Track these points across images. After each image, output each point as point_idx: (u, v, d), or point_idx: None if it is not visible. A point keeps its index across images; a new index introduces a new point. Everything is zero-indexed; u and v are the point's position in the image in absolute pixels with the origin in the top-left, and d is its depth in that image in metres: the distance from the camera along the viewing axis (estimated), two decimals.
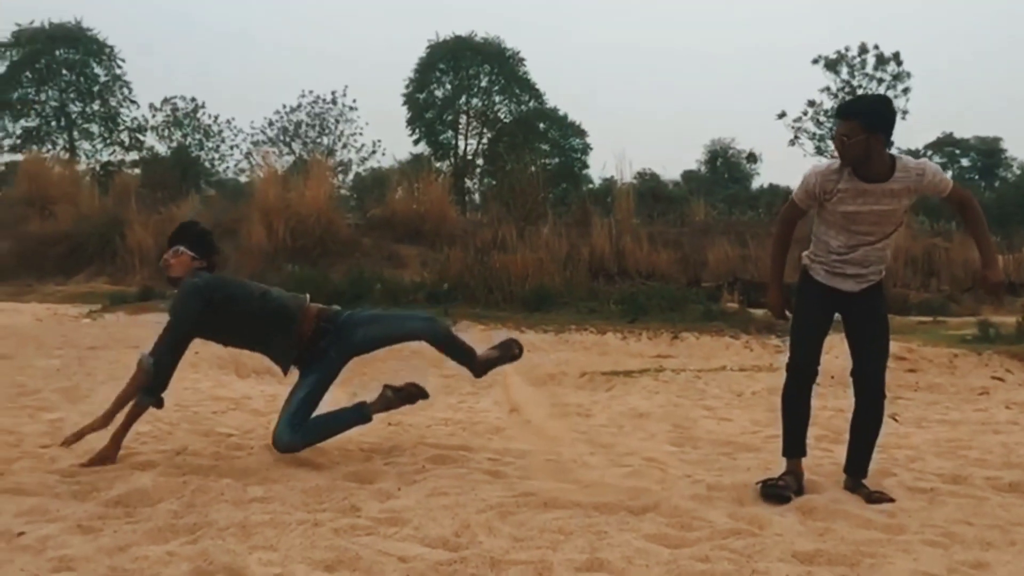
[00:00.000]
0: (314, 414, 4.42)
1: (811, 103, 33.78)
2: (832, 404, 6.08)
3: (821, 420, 5.33)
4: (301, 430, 4.31)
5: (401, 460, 4.45)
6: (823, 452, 4.76)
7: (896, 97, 31.74)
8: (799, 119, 33.95)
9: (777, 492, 3.82)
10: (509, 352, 4.71)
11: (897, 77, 32.88)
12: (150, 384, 4.24)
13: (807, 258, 4.07)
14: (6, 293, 18.69)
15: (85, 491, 3.77)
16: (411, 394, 4.61)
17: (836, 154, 3.91)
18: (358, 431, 4.81)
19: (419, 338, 4.77)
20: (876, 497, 3.82)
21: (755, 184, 38.94)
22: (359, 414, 4.51)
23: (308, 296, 4.69)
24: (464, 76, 35.22)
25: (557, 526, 3.34)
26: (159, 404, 4.29)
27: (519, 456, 4.60)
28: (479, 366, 4.74)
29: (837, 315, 4.09)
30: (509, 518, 3.45)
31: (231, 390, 6.85)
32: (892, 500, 3.82)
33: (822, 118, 33.11)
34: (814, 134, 33.77)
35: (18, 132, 35.27)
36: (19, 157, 31.21)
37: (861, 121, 3.78)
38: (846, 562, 2.97)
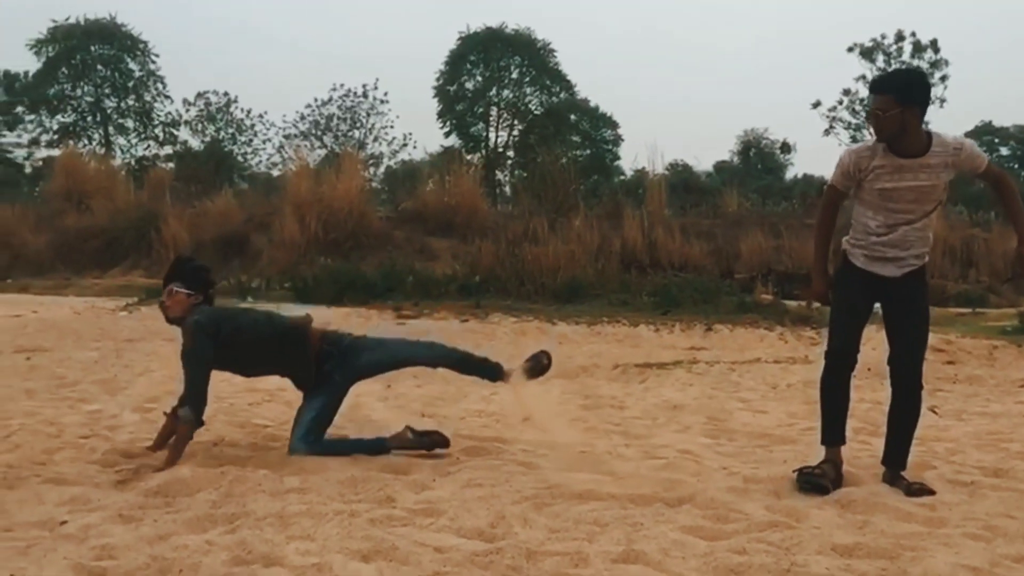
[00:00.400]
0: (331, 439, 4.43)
1: (846, 92, 33.40)
2: (869, 396, 6.01)
3: (858, 412, 5.27)
4: (316, 446, 4.31)
5: (435, 451, 4.46)
6: (861, 445, 4.71)
7: (934, 85, 31.25)
8: (834, 108, 33.60)
9: (814, 481, 3.78)
10: (539, 364, 4.58)
11: (934, 65, 32.40)
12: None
13: (847, 243, 4.02)
14: (45, 287, 19.00)
15: (125, 480, 3.83)
16: (433, 442, 4.47)
17: (872, 135, 3.87)
18: (393, 423, 4.84)
19: (425, 364, 4.69)
20: (916, 488, 3.77)
21: (789, 175, 38.61)
22: (377, 446, 4.43)
23: (311, 316, 4.70)
24: (495, 68, 35.21)
25: (592, 518, 3.33)
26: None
27: (553, 448, 4.58)
28: (509, 378, 4.59)
29: (877, 305, 4.04)
30: (544, 509, 3.45)
31: (266, 382, 6.85)
32: (932, 492, 3.76)
33: (858, 107, 32.71)
34: (849, 123, 33.40)
35: (55, 128, 35.88)
36: (56, 152, 31.72)
37: (895, 95, 3.74)
38: (886, 555, 2.93)
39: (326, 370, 4.43)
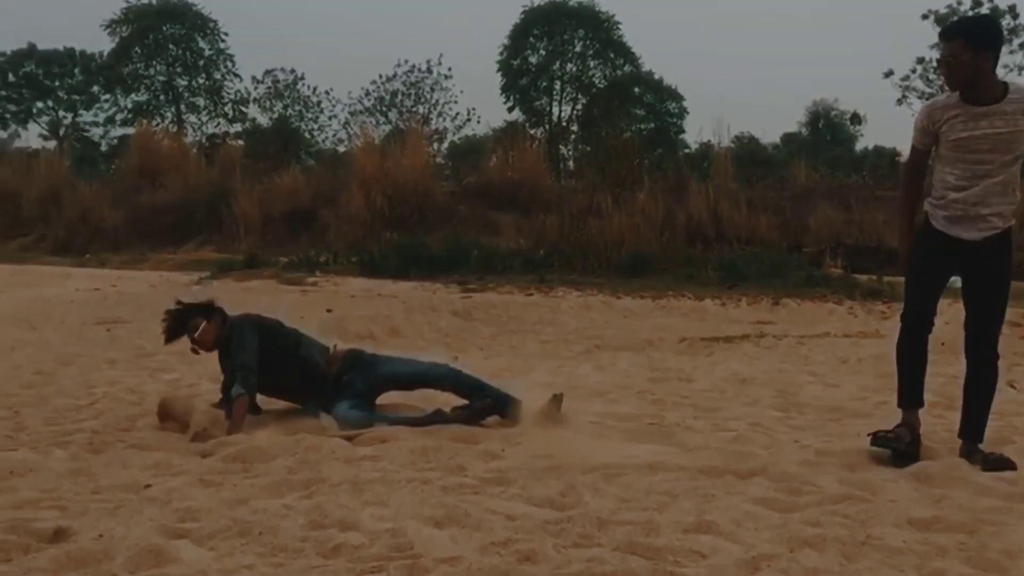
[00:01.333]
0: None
1: (920, 60, 32.32)
2: (944, 371, 5.87)
3: (934, 387, 5.15)
4: (366, 417, 4.39)
5: (504, 422, 4.49)
6: (936, 419, 4.60)
7: (1012, 53, 30.14)
8: (907, 77, 32.50)
9: (887, 443, 3.72)
10: (555, 407, 4.47)
11: (1013, 31, 31.14)
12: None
13: (928, 204, 3.91)
14: (122, 261, 19.57)
15: (205, 447, 3.95)
16: (474, 412, 4.46)
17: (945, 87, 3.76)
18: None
19: (443, 386, 4.66)
20: (994, 460, 3.68)
21: (859, 146, 37.60)
22: (439, 417, 4.48)
23: (335, 344, 4.81)
24: (558, 41, 34.91)
25: (663, 488, 3.33)
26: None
27: (622, 419, 4.59)
28: (519, 416, 4.49)
29: (953, 278, 3.94)
30: (614, 480, 3.45)
31: None
32: (1011, 463, 3.66)
33: (932, 76, 31.67)
34: (923, 92, 32.31)
35: (129, 106, 36.79)
36: (131, 131, 32.54)
37: (965, 40, 3.64)
38: (965, 529, 2.88)
39: (347, 380, 4.54)
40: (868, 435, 3.85)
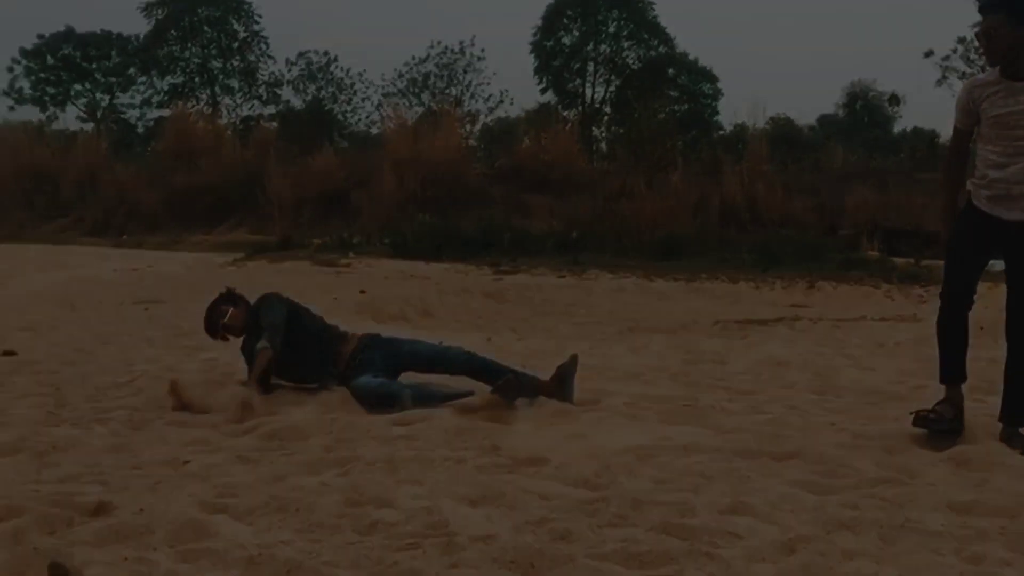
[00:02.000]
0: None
1: (961, 40, 31.70)
2: (984, 355, 5.76)
3: (974, 370, 5.02)
4: (388, 384, 4.42)
5: (538, 403, 4.49)
6: (976, 403, 4.52)
7: None
8: (947, 57, 31.90)
9: (929, 423, 3.68)
10: (570, 373, 4.51)
11: None
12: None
13: (970, 184, 3.85)
14: (158, 243, 19.81)
15: (243, 425, 3.99)
16: (505, 387, 4.40)
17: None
18: None
19: (459, 367, 4.66)
20: None
21: (897, 128, 37.04)
22: (465, 393, 4.44)
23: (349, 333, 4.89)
24: (592, 23, 34.72)
25: (698, 470, 3.31)
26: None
27: (656, 401, 4.57)
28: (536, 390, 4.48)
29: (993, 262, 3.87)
30: (649, 461, 3.44)
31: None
32: None
33: (973, 55, 31.06)
34: (963, 73, 31.71)
35: (165, 88, 37.15)
36: (166, 113, 32.85)
37: (1005, 13, 3.57)
38: (1006, 513, 2.83)
39: (364, 358, 4.60)
40: (910, 414, 3.80)
